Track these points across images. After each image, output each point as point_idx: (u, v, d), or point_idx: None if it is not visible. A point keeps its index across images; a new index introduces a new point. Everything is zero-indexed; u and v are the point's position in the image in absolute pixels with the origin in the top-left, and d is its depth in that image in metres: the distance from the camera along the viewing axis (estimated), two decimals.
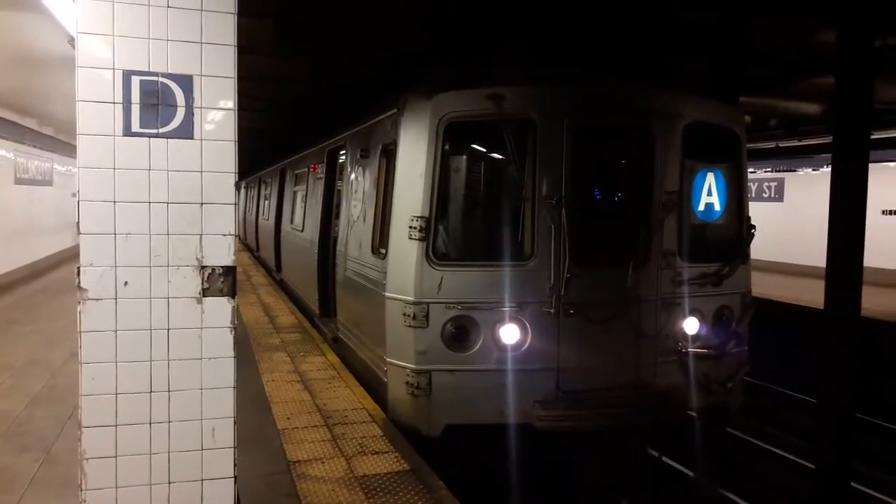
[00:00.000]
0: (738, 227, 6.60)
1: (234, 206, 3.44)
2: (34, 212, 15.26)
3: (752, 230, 6.65)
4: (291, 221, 12.96)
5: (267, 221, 17.10)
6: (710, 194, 6.48)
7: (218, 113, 3.36)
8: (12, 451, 5.26)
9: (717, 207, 6.51)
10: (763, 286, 16.54)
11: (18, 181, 15.01)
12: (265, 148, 17.86)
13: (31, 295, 13.00)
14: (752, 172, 20.79)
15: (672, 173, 6.03)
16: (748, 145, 15.46)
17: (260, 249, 19.49)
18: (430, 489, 4.62)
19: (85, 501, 3.29)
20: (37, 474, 4.82)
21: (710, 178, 6.47)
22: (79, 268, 3.21)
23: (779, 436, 10.25)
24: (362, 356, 7.13)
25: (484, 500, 5.26)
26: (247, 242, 25.35)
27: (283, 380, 7.26)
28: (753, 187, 20.95)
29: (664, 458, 7.96)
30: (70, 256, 16.62)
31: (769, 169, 20.72)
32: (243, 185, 28.48)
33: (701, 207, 6.44)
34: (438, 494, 4.54)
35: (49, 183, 17.66)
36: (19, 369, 7.56)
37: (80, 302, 3.23)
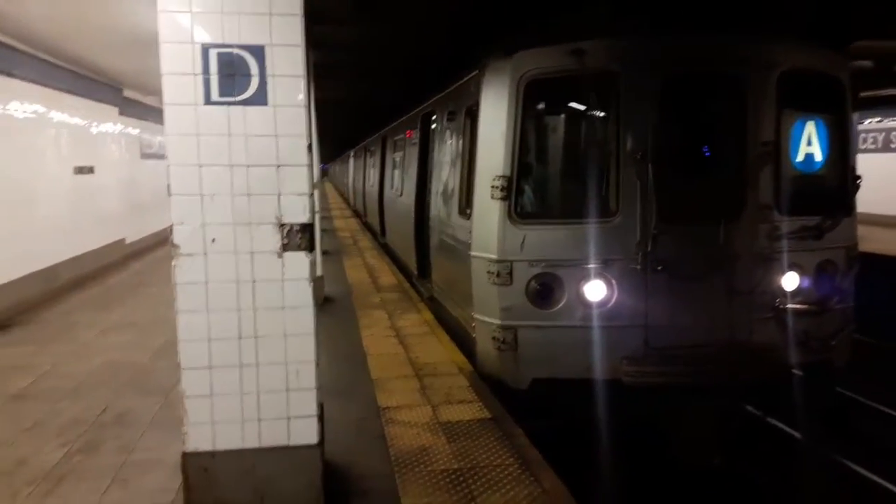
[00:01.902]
0: (841, 178, 6.26)
1: (308, 167, 3.68)
2: (159, 184, 16.46)
3: (858, 181, 6.27)
4: (392, 187, 13.35)
5: (372, 188, 17.66)
6: (809, 144, 6.15)
7: (289, 80, 3.58)
8: (137, 395, 5.87)
9: (818, 158, 6.18)
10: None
11: (144, 156, 16.24)
12: (372, 117, 18.33)
13: (157, 260, 14.16)
14: (878, 122, 19.27)
15: (767, 123, 5.77)
16: (868, 93, 14.30)
17: (367, 215, 20.16)
18: (510, 436, 4.80)
19: (187, 434, 3.69)
20: (156, 416, 5.38)
21: (811, 128, 6.13)
22: (172, 226, 3.56)
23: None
24: (454, 314, 7.35)
25: (570, 453, 5.36)
26: (355, 208, 26.25)
27: (380, 335, 7.62)
28: (880, 137, 19.33)
29: (768, 419, 7.79)
30: None
31: (880, 119, 19.06)
32: (351, 154, 29.35)
33: (800, 158, 6.13)
34: (518, 441, 4.71)
35: None
36: (145, 325, 8.33)
37: (174, 257, 3.58)
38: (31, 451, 4.73)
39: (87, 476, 4.34)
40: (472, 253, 6.09)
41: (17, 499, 4.05)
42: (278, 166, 3.62)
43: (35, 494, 4.11)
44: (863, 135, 19.42)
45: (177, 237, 3.56)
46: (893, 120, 19.25)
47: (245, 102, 3.55)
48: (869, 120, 19.47)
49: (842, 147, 6.22)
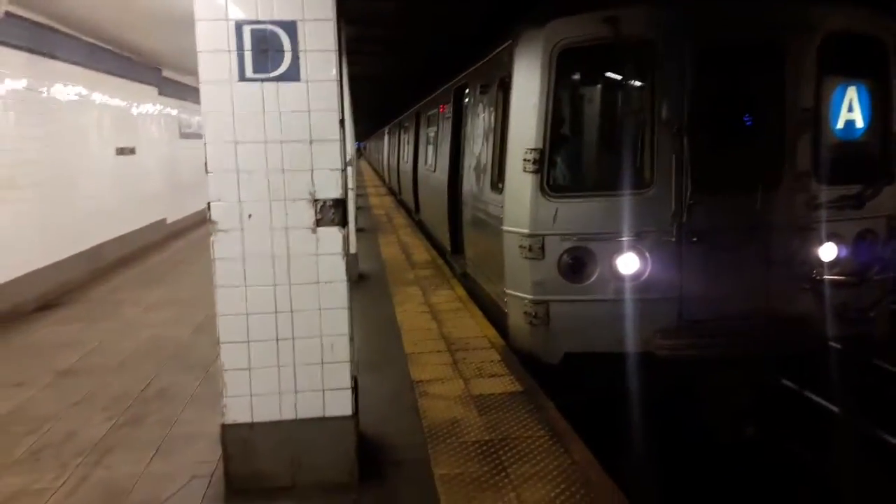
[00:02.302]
0: (883, 146, 6.08)
1: (339, 142, 3.71)
2: (197, 164, 16.70)
3: None
4: (425, 163, 13.36)
5: (406, 164, 17.69)
6: (850, 110, 5.99)
7: (321, 55, 3.61)
8: (179, 370, 6.04)
9: (860, 124, 6.01)
10: None
11: (183, 135, 16.49)
12: (406, 93, 18.30)
13: (196, 240, 14.43)
14: None
15: (806, 89, 5.64)
16: None
17: (401, 192, 20.23)
18: (540, 408, 4.83)
19: (226, 406, 3.79)
20: (196, 390, 5.53)
21: (852, 93, 5.96)
22: (209, 203, 3.63)
23: None
24: (487, 289, 7.38)
25: (602, 427, 5.37)
26: (390, 186, 26.33)
27: (414, 311, 7.69)
28: None
29: (805, 392, 7.68)
30: None
31: None
32: (385, 131, 29.37)
33: (840, 125, 5.97)
34: (549, 414, 4.75)
35: None
36: (186, 302, 8.53)
37: (212, 233, 3.66)
38: (80, 424, 4.92)
39: (133, 448, 4.50)
40: (504, 227, 6.08)
41: (67, 469, 4.22)
42: (311, 142, 3.67)
43: (84, 465, 4.28)
44: None
45: (214, 213, 3.64)
46: None
47: (278, 78, 3.59)
48: None
49: (884, 113, 6.03)
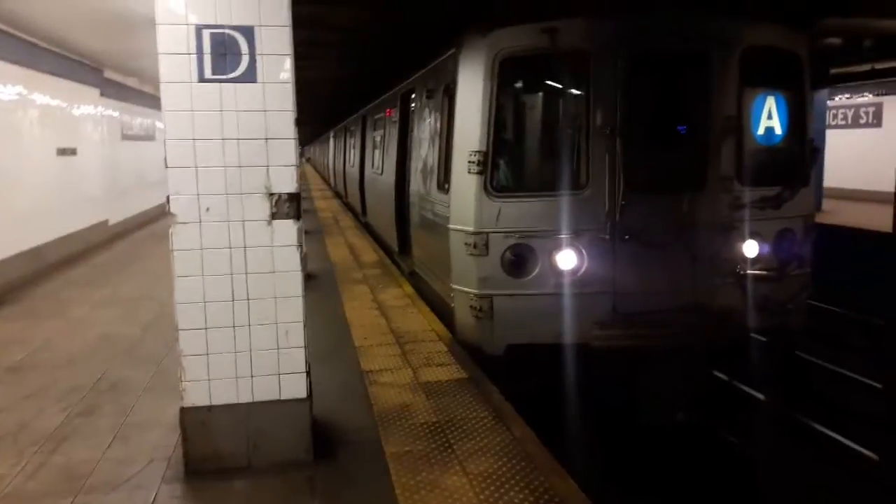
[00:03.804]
0: (799, 151, 6.59)
1: (294, 140, 3.95)
2: (140, 166, 16.49)
3: (816, 153, 6.62)
4: (373, 166, 13.56)
5: (352, 168, 17.83)
6: (770, 118, 6.47)
7: (277, 58, 3.84)
8: (131, 365, 6.13)
9: (778, 131, 6.50)
10: (860, 215, 15.93)
11: (125, 137, 16.29)
12: (351, 97, 18.44)
13: (140, 241, 14.33)
14: (847, 98, 19.70)
15: (729, 98, 6.08)
16: (840, 69, 14.47)
17: (348, 196, 20.34)
18: (485, 393, 5.14)
19: (185, 390, 3.97)
20: (150, 383, 5.64)
21: (771, 102, 6.44)
22: (168, 196, 3.81)
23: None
24: (434, 287, 7.65)
25: (543, 413, 5.69)
26: (336, 190, 26.35)
27: (363, 307, 7.91)
28: (850, 113, 19.83)
29: (734, 382, 8.20)
30: None
31: (867, 94, 19.53)
32: (331, 134, 29.37)
33: (760, 132, 6.44)
34: (493, 398, 5.05)
35: (151, 138, 18.93)
36: (133, 301, 8.56)
37: (171, 225, 3.84)
38: (33, 416, 4.99)
39: (90, 435, 4.61)
40: (451, 226, 6.36)
41: (24, 457, 4.31)
42: (267, 139, 3.89)
43: (40, 452, 4.37)
44: (833, 111, 19.89)
45: (174, 207, 3.83)
46: (862, 96, 19.78)
47: (236, 80, 3.81)
48: (839, 96, 19.91)
49: (800, 121, 6.54)
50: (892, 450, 6.47)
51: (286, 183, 3.94)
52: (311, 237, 13.68)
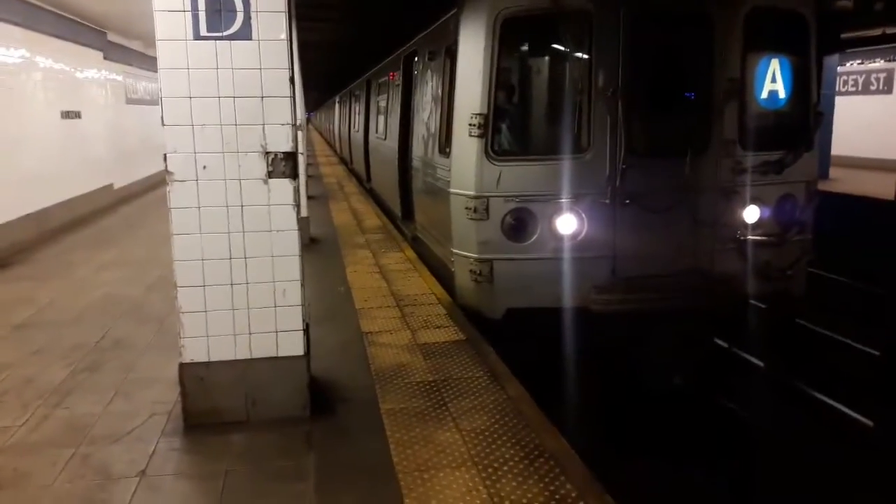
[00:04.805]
0: (803, 115, 6.53)
1: (290, 98, 3.94)
2: (145, 131, 16.47)
3: (820, 117, 6.56)
4: (377, 131, 13.51)
5: (357, 133, 17.78)
6: (774, 81, 6.40)
7: (272, 16, 3.83)
8: (134, 323, 6.21)
9: (782, 95, 6.43)
10: (868, 183, 15.77)
11: (129, 101, 16.25)
12: (355, 62, 18.30)
13: (145, 205, 14.38)
14: (858, 63, 19.39)
15: (733, 60, 6.00)
16: (850, 34, 14.21)
17: (353, 162, 20.31)
18: (482, 354, 5.19)
19: (184, 346, 4.03)
20: (152, 340, 5.73)
21: (775, 65, 6.36)
22: (165, 154, 3.83)
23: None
24: (435, 251, 7.68)
25: (543, 377, 5.74)
26: (341, 155, 26.30)
27: (365, 271, 7.96)
28: (860, 79, 19.52)
29: (733, 349, 8.22)
30: None
31: (878, 60, 19.19)
32: (336, 100, 29.21)
33: (764, 95, 6.38)
34: (488, 359, 5.10)
35: (157, 102, 18.85)
36: (138, 263, 8.63)
37: (168, 183, 3.87)
38: (39, 371, 5.08)
39: (93, 390, 4.70)
40: (451, 190, 6.36)
41: (28, 409, 4.40)
42: (262, 97, 3.89)
43: (45, 405, 4.47)
44: (843, 77, 19.57)
45: (170, 165, 3.85)
46: (873, 62, 19.45)
47: (231, 37, 3.80)
48: (850, 62, 19.60)
49: (805, 84, 6.47)
50: (887, 417, 6.52)
51: (282, 141, 3.94)
52: (316, 202, 13.71)
